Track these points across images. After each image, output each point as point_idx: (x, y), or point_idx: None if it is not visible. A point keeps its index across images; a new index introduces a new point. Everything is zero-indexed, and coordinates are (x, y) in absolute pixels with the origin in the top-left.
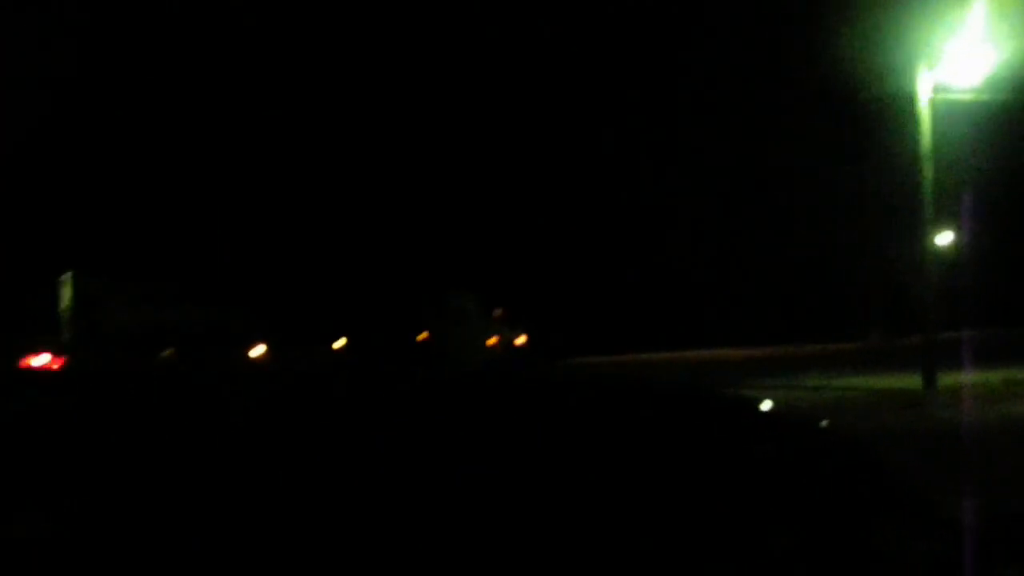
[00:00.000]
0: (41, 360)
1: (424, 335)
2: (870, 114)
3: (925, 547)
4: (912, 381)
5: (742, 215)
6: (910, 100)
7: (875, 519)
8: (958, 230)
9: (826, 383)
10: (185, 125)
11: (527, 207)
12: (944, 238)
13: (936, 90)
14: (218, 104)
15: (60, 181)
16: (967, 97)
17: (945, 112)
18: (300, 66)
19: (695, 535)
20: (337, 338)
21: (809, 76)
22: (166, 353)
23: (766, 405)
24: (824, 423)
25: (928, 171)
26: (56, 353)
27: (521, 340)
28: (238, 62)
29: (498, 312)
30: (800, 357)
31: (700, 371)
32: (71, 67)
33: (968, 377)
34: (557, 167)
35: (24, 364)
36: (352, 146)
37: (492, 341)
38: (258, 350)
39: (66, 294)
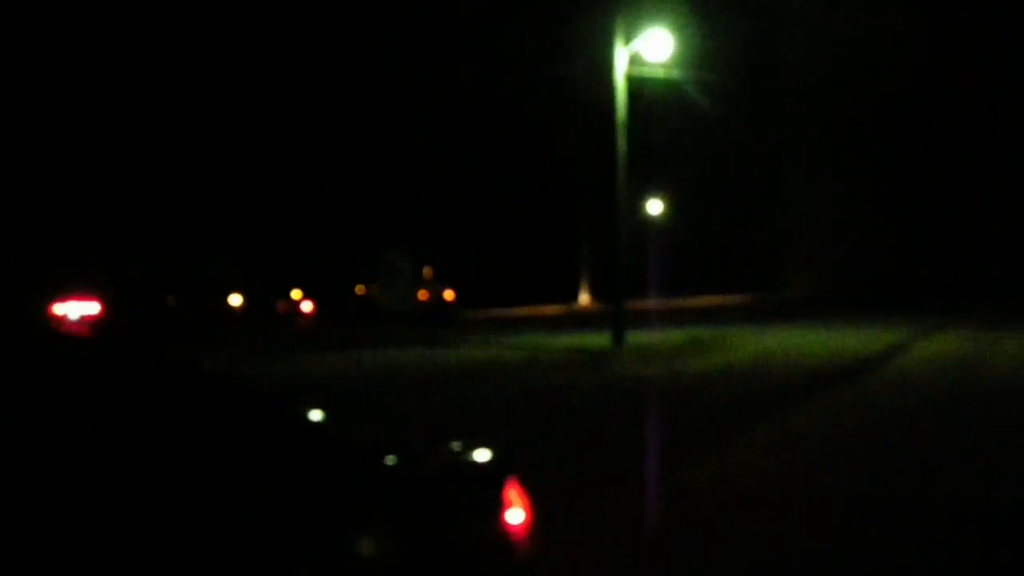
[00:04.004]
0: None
1: (361, 288)
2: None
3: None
4: (605, 340)
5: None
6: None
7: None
8: (667, 201)
9: (527, 341)
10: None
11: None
12: (655, 207)
13: (632, 63)
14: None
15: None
16: (658, 72)
17: (650, 89)
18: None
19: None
20: (293, 289)
21: (518, 56)
22: (170, 300)
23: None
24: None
25: (623, 141)
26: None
27: (449, 295)
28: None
29: (428, 270)
30: (515, 318)
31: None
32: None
33: (656, 336)
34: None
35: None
36: (302, 121)
37: (423, 295)
38: (235, 298)
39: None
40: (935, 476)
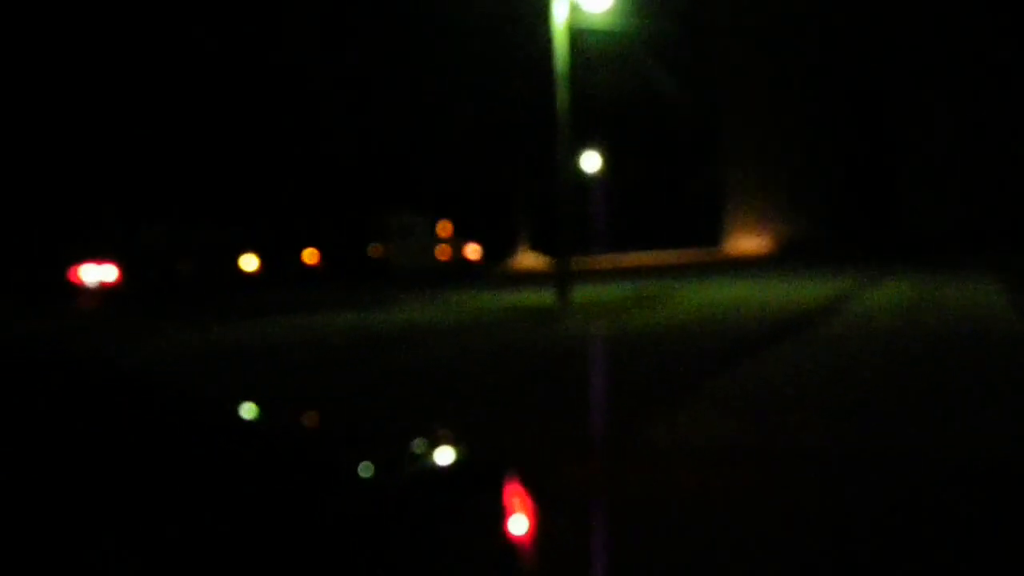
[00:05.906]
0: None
1: (375, 249)
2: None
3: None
4: (550, 298)
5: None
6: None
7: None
8: (606, 154)
9: (467, 300)
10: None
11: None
12: (592, 162)
13: (572, 10)
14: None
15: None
16: (600, 21)
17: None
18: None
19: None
20: (306, 249)
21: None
22: (183, 264)
23: None
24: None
25: (564, 94)
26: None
27: (473, 251)
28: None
29: (445, 226)
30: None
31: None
32: None
33: (600, 292)
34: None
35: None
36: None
37: (442, 253)
38: (250, 260)
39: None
40: (883, 430)
